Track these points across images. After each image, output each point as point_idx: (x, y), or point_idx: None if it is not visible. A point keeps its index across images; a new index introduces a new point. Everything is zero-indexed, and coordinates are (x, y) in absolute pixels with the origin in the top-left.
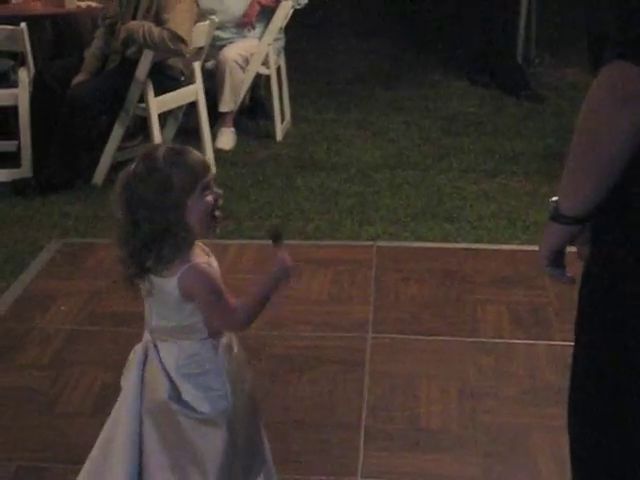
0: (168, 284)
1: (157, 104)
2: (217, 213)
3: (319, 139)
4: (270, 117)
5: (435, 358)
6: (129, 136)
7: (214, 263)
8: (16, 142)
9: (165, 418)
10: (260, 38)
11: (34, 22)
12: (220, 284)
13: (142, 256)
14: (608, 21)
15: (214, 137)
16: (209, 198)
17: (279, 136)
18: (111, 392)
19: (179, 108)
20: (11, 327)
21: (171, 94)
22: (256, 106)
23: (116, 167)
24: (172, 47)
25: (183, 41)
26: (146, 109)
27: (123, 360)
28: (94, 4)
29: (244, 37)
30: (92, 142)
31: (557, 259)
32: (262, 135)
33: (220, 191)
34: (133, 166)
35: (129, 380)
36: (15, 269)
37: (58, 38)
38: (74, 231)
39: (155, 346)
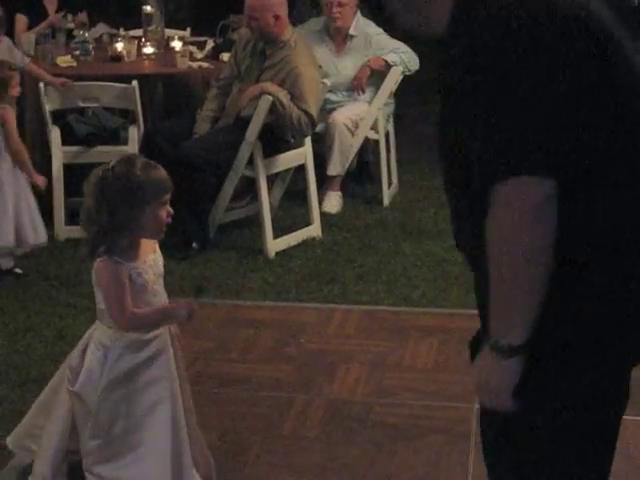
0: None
1: (266, 166)
2: (164, 227)
3: (426, 205)
4: (377, 182)
5: None
6: (236, 196)
7: (159, 260)
8: None
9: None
10: (370, 102)
11: (146, 81)
12: (124, 285)
13: (96, 241)
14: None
15: (321, 200)
16: (163, 213)
17: (386, 201)
18: (213, 453)
19: (287, 170)
20: None
21: (280, 156)
22: (363, 170)
23: (221, 228)
24: (304, 130)
25: (313, 125)
26: (254, 170)
27: (224, 422)
28: (206, 65)
29: (354, 100)
30: (200, 203)
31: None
32: (369, 200)
33: (172, 210)
34: (112, 165)
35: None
36: None
37: (169, 97)
38: (179, 290)
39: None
